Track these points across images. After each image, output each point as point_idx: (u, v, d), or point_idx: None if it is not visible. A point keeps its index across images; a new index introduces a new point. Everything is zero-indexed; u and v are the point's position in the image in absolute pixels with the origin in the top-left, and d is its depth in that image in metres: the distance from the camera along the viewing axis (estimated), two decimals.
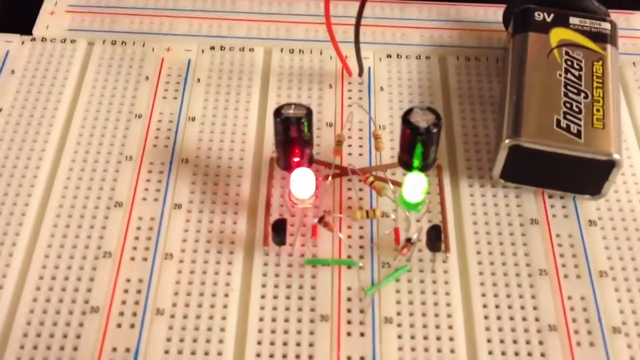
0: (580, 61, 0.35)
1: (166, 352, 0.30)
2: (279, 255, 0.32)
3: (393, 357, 0.30)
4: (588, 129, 0.33)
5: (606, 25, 0.37)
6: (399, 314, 0.31)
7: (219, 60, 0.40)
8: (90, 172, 0.35)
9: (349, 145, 0.36)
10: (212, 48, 0.40)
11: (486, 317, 0.31)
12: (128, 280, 0.31)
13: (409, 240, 0.32)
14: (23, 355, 0.29)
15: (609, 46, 0.36)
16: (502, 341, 0.30)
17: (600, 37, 0.36)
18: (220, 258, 0.32)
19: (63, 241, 0.32)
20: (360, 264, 0.32)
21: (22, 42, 0.40)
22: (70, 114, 0.37)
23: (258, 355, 0.30)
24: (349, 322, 0.30)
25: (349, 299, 0.31)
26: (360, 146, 0.36)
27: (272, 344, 0.30)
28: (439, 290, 0.31)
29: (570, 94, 0.34)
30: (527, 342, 0.30)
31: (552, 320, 0.31)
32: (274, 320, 0.30)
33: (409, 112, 0.31)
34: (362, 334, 0.30)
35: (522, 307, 0.31)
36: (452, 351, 0.30)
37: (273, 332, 0.30)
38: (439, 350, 0.30)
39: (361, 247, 0.33)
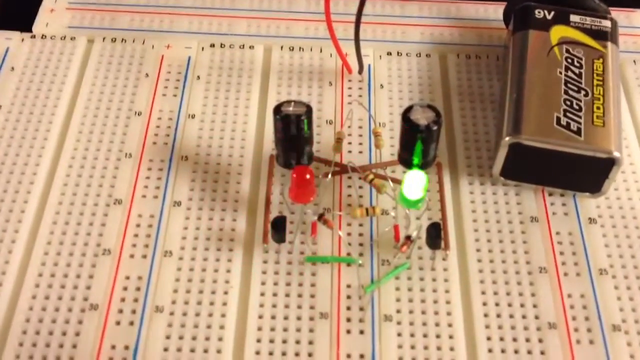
0: (581, 59, 0.35)
1: (165, 349, 0.30)
2: (278, 253, 0.32)
3: (392, 354, 0.30)
4: (588, 126, 0.33)
5: (607, 23, 0.37)
6: (398, 311, 0.31)
7: (218, 58, 0.40)
8: (90, 170, 0.35)
9: (349, 143, 0.36)
10: (212, 45, 0.40)
11: (486, 315, 0.31)
12: (127, 278, 0.31)
13: (408, 237, 0.32)
14: (22, 352, 0.29)
15: (609, 44, 0.36)
16: (501, 339, 0.30)
17: (600, 35, 0.36)
18: (219, 255, 0.32)
19: (62, 238, 0.32)
20: (360, 262, 0.32)
21: (22, 40, 0.40)
22: (70, 111, 0.37)
23: (257, 353, 0.30)
24: (348, 320, 0.30)
25: (348, 297, 0.31)
26: (360, 144, 0.36)
27: (271, 341, 0.30)
28: (439, 288, 0.31)
29: (570, 92, 0.34)
30: (527, 340, 0.30)
31: (552, 318, 0.31)
32: (273, 318, 0.30)
33: (409, 109, 0.31)
34: (361, 332, 0.30)
35: (522, 305, 0.31)
36: (451, 349, 0.30)
37: (272, 329, 0.30)
38: (439, 348, 0.30)
39: (361, 244, 0.33)
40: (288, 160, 0.32)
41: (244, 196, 0.34)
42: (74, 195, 0.34)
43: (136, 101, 0.37)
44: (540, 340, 0.30)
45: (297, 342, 0.30)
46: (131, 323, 0.30)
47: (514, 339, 0.30)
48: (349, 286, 0.31)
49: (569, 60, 0.35)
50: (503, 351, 0.30)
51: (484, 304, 0.31)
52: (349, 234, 0.33)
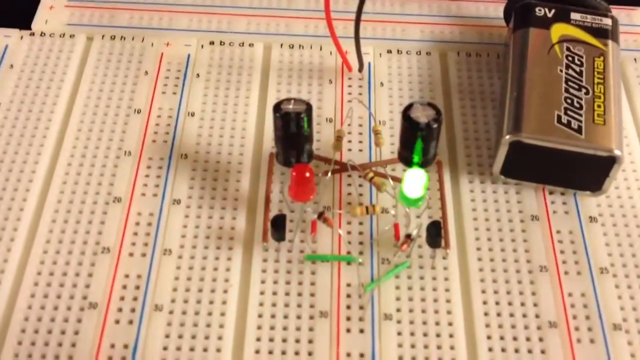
0: (581, 57, 0.35)
1: (165, 348, 0.30)
2: (278, 251, 0.32)
3: (392, 353, 0.30)
4: (589, 124, 0.33)
5: (607, 21, 0.37)
6: (398, 310, 0.31)
7: (218, 56, 0.39)
8: (89, 167, 0.35)
9: (349, 141, 0.36)
10: (212, 43, 0.40)
11: (486, 314, 0.31)
12: (126, 276, 0.31)
13: (408, 236, 0.31)
14: (21, 351, 0.29)
15: (610, 42, 0.36)
16: (502, 338, 0.30)
17: (601, 33, 0.36)
18: (219, 254, 0.32)
19: (61, 237, 0.32)
20: (360, 260, 0.32)
21: (21, 37, 0.40)
22: (69, 109, 0.37)
23: (257, 351, 0.30)
24: (348, 319, 0.30)
25: (348, 295, 0.31)
26: (360, 142, 0.36)
27: (271, 340, 0.30)
28: (439, 287, 0.31)
29: (571, 90, 0.34)
30: (527, 339, 0.30)
31: (552, 317, 0.31)
32: (273, 316, 0.30)
33: (409, 107, 0.31)
34: (361, 331, 0.30)
35: (523, 304, 0.31)
36: (451, 348, 0.30)
37: (272, 328, 0.30)
38: (439, 347, 0.30)
39: (361, 243, 0.33)
40: (288, 158, 0.32)
41: (244, 194, 0.34)
42: (73, 194, 0.34)
43: (135, 99, 0.37)
44: (540, 339, 0.30)
45: (297, 340, 0.30)
46: (130, 322, 0.30)
47: (514, 338, 0.30)
48: (349, 285, 0.31)
49: (570, 58, 0.35)
50: (503, 350, 0.30)
51: (484, 302, 0.31)
52: (349, 233, 0.33)
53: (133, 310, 0.30)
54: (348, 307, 0.31)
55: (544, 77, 0.34)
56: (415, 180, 0.31)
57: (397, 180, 0.33)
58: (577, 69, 0.35)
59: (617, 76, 0.35)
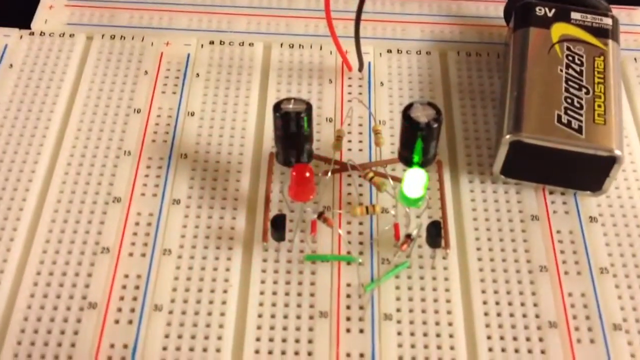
0: (582, 56, 0.35)
1: (164, 348, 0.29)
2: (278, 251, 0.32)
3: (392, 353, 0.30)
4: (589, 124, 0.33)
5: (608, 21, 0.37)
6: (398, 310, 0.31)
7: (218, 55, 0.39)
8: (89, 167, 0.35)
9: (349, 141, 0.36)
10: (212, 43, 0.40)
11: (486, 314, 0.31)
12: (126, 276, 0.31)
13: (408, 236, 0.31)
14: (20, 350, 0.29)
15: (610, 41, 0.36)
16: (502, 338, 0.30)
17: (601, 33, 0.36)
18: (219, 254, 0.32)
19: (61, 236, 0.32)
20: (360, 260, 0.32)
21: (21, 36, 0.40)
22: (69, 108, 0.37)
23: (257, 351, 0.30)
24: (348, 319, 0.30)
25: (348, 296, 0.31)
26: (360, 141, 0.36)
27: (271, 340, 0.30)
28: (439, 287, 0.31)
29: (571, 90, 0.34)
30: (527, 339, 0.30)
31: (552, 317, 0.31)
32: (272, 316, 0.30)
33: (409, 107, 0.31)
34: (361, 331, 0.30)
35: (523, 304, 0.31)
36: (451, 348, 0.30)
37: (272, 328, 0.30)
38: (439, 347, 0.30)
39: (361, 243, 0.33)
40: (288, 158, 0.32)
41: (244, 194, 0.34)
42: (73, 193, 0.34)
43: (135, 98, 0.37)
44: (540, 339, 0.30)
45: (297, 341, 0.30)
46: (130, 322, 0.30)
47: (514, 338, 0.30)
48: (348, 285, 0.31)
49: (570, 58, 0.35)
50: (503, 350, 0.30)
51: (484, 302, 0.31)
52: (348, 233, 0.33)
53: (133, 310, 0.30)
54: (348, 307, 0.31)
55: (544, 76, 0.34)
56: (415, 180, 0.31)
57: (397, 180, 0.33)
58: (578, 68, 0.34)
59: (618, 76, 0.35)
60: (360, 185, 0.34)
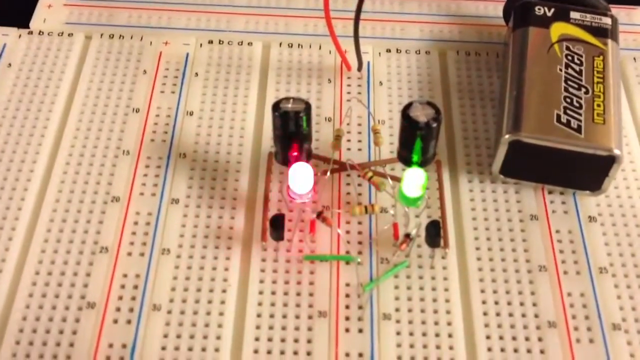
0: (581, 56, 0.35)
1: (163, 348, 0.29)
2: (277, 251, 0.32)
3: (391, 353, 0.29)
4: (588, 124, 0.33)
5: (607, 20, 0.36)
6: (397, 310, 0.31)
7: (217, 54, 0.39)
8: (88, 167, 0.35)
9: (348, 140, 0.36)
10: (211, 42, 0.40)
11: (485, 314, 0.31)
12: (125, 276, 0.31)
13: (407, 235, 0.31)
14: (19, 350, 0.29)
15: (609, 41, 0.36)
16: (501, 338, 0.30)
17: (601, 32, 0.36)
18: (217, 253, 0.32)
19: (60, 236, 0.32)
20: (359, 260, 0.32)
21: (19, 36, 0.40)
22: (68, 108, 0.37)
23: (256, 351, 0.29)
24: (347, 319, 0.30)
25: (347, 295, 0.31)
26: (359, 141, 0.36)
27: (269, 340, 0.30)
28: (438, 287, 0.31)
29: (570, 89, 0.34)
30: (527, 339, 0.30)
31: (551, 317, 0.30)
32: (271, 316, 0.30)
33: (408, 106, 0.31)
34: (360, 330, 0.30)
35: (522, 304, 0.31)
36: (450, 348, 0.30)
37: (271, 328, 0.30)
38: (438, 347, 0.30)
39: (360, 242, 0.32)
40: (287, 157, 0.32)
41: (242, 194, 0.34)
42: (72, 193, 0.34)
43: (134, 98, 0.37)
44: (539, 339, 0.30)
45: (296, 340, 0.30)
46: (129, 321, 0.30)
47: (514, 338, 0.30)
48: (347, 284, 0.31)
49: (569, 58, 0.35)
50: (502, 350, 0.30)
51: (484, 302, 0.31)
52: (347, 232, 0.33)
53: (131, 310, 0.30)
54: (347, 306, 0.31)
55: (544, 76, 0.34)
56: (414, 180, 0.31)
57: (397, 179, 0.33)
58: (577, 68, 0.34)
59: (617, 75, 0.35)
60: (359, 184, 0.34)
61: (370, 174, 0.32)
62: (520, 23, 0.37)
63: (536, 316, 0.31)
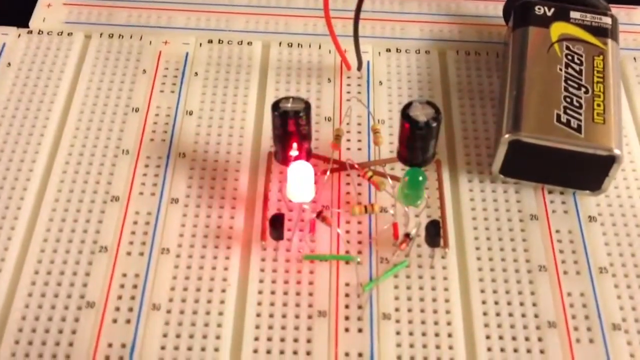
0: (581, 56, 0.35)
1: (162, 347, 0.29)
2: (276, 251, 0.32)
3: (391, 353, 0.29)
4: (588, 124, 0.32)
5: (607, 20, 0.36)
6: (397, 309, 0.31)
7: (216, 54, 0.39)
8: (87, 166, 0.35)
9: (348, 140, 0.36)
10: (210, 41, 0.40)
11: (485, 314, 0.31)
12: (124, 275, 0.31)
13: (407, 235, 0.31)
14: (18, 350, 0.29)
15: (609, 41, 0.36)
16: (501, 338, 0.30)
17: (601, 32, 0.36)
18: (217, 253, 0.32)
19: (59, 235, 0.32)
20: (359, 260, 0.32)
21: (19, 35, 0.40)
22: (67, 107, 0.37)
23: (255, 351, 0.29)
24: (346, 318, 0.30)
25: (347, 295, 0.31)
26: (359, 141, 0.36)
27: (269, 339, 0.30)
28: (438, 286, 0.31)
29: (570, 89, 0.34)
30: (527, 339, 0.30)
31: (551, 317, 0.30)
32: (271, 316, 0.30)
33: (408, 106, 0.31)
34: (360, 330, 0.30)
35: (522, 304, 0.31)
36: (450, 347, 0.30)
37: (270, 327, 0.30)
38: (438, 347, 0.30)
39: (359, 242, 0.32)
40: (286, 157, 0.32)
41: (242, 193, 0.34)
42: (71, 192, 0.34)
43: (133, 97, 0.37)
44: (539, 339, 0.30)
45: (295, 340, 0.30)
46: (128, 321, 0.30)
47: (513, 338, 0.30)
48: (347, 284, 0.31)
49: (569, 57, 0.35)
50: (502, 350, 0.30)
51: (483, 302, 0.31)
52: (347, 232, 0.33)
53: (131, 309, 0.30)
54: (346, 306, 0.31)
55: (544, 76, 0.34)
56: (414, 180, 0.31)
57: (396, 179, 0.33)
58: (577, 67, 0.34)
59: (617, 75, 0.35)
60: (359, 184, 0.34)
61: (370, 173, 0.32)
62: (520, 23, 0.37)
63: (536, 316, 0.31)
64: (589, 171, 0.33)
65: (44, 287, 0.31)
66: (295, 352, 0.29)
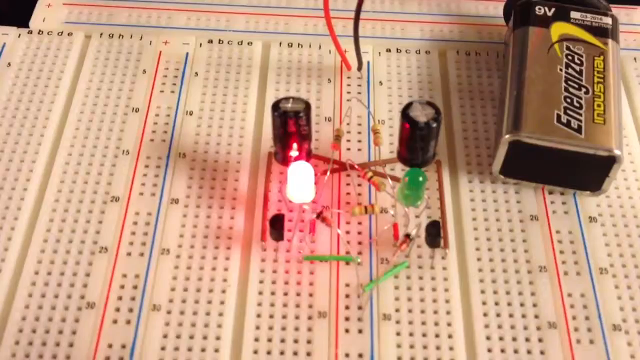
0: (581, 56, 0.35)
1: (162, 348, 0.29)
2: (276, 251, 0.32)
3: (391, 354, 0.29)
4: (589, 124, 0.32)
5: (607, 20, 0.36)
6: (397, 310, 0.31)
7: (217, 54, 0.39)
8: (87, 166, 0.35)
9: (348, 140, 0.36)
10: (210, 41, 0.40)
11: (485, 315, 0.31)
12: (124, 276, 0.31)
13: (407, 236, 0.31)
14: (18, 350, 0.29)
15: (610, 41, 0.36)
16: (501, 338, 0.30)
17: (601, 32, 0.36)
18: (217, 253, 0.32)
19: (59, 236, 0.32)
20: (359, 260, 0.32)
21: (19, 35, 0.40)
22: (67, 107, 0.37)
23: (255, 352, 0.29)
24: (347, 319, 0.30)
25: (347, 296, 0.31)
26: (359, 141, 0.36)
27: (269, 340, 0.30)
28: (438, 287, 0.31)
29: (570, 89, 0.34)
30: (527, 340, 0.30)
31: (551, 318, 0.30)
32: (271, 316, 0.30)
33: (408, 106, 0.31)
34: (360, 331, 0.30)
35: (522, 304, 0.31)
36: (450, 348, 0.30)
37: (270, 328, 0.30)
38: (438, 348, 0.30)
39: (360, 242, 0.32)
40: (286, 157, 0.32)
41: (242, 194, 0.34)
42: (71, 193, 0.34)
43: (133, 97, 0.37)
44: (540, 340, 0.30)
45: (296, 341, 0.30)
46: (128, 321, 0.30)
47: (514, 339, 0.30)
48: (347, 285, 0.31)
49: (570, 58, 0.35)
50: (502, 351, 0.30)
51: (484, 303, 0.31)
52: (347, 232, 0.33)
53: (131, 310, 0.30)
54: (347, 307, 0.31)
55: (544, 76, 0.34)
56: (413, 180, 0.31)
57: (396, 179, 0.33)
58: (577, 68, 0.34)
59: (617, 75, 0.35)
60: (359, 184, 0.34)
61: (370, 174, 0.32)
62: (520, 23, 0.37)
63: (536, 317, 0.31)
64: (589, 171, 0.33)
65: (44, 287, 0.31)
66: (295, 353, 0.29)
